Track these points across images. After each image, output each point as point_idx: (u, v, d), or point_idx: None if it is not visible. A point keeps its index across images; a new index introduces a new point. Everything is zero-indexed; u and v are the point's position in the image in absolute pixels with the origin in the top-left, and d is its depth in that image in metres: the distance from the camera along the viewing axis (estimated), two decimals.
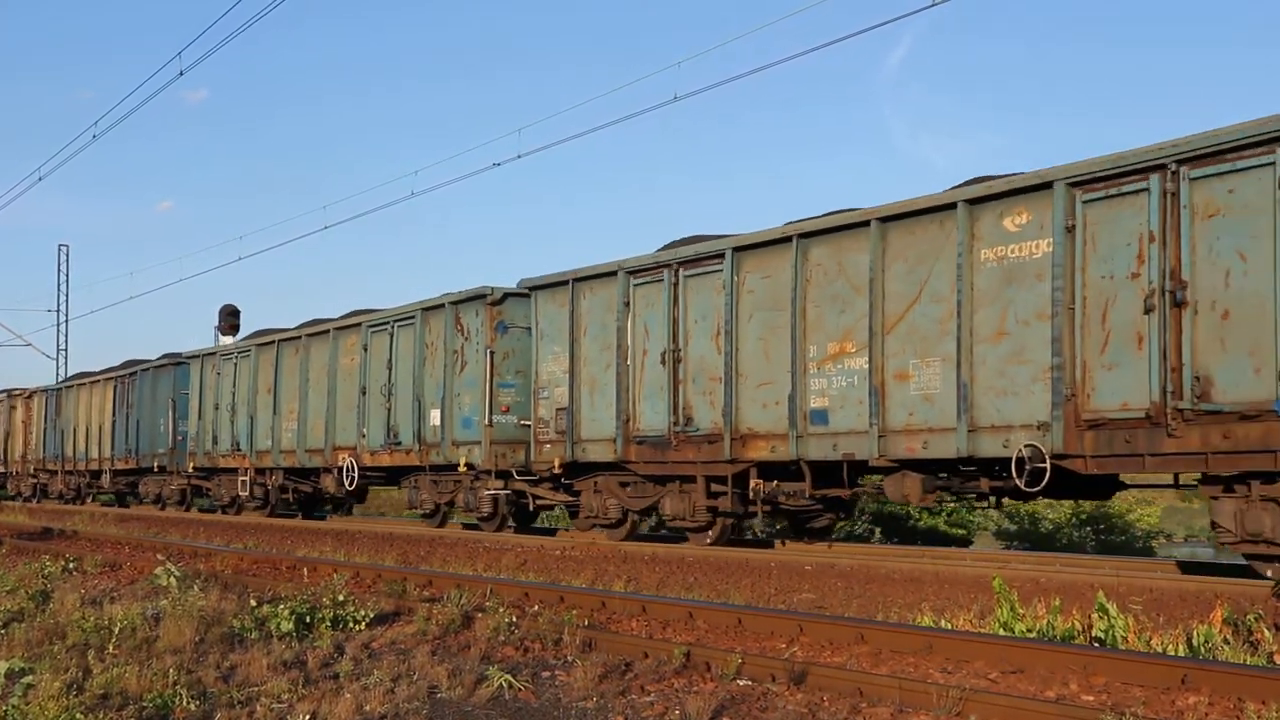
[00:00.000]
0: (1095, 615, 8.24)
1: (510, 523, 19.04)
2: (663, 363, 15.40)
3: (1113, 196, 11.12)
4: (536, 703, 6.28)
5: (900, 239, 12.88)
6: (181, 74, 21.39)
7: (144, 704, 6.11)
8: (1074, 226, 11.39)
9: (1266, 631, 7.75)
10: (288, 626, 8.16)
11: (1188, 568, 12.55)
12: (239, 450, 25.94)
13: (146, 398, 30.60)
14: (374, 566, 13.37)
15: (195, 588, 10.18)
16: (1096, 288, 11.19)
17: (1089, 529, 33.43)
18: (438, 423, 19.58)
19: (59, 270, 53.47)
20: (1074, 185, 11.41)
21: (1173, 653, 7.57)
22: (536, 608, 9.10)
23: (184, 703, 6.13)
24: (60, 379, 44.05)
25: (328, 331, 22.93)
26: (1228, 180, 10.36)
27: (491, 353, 18.51)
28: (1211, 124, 10.71)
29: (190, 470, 28.15)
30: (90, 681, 6.55)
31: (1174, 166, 10.66)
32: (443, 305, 19.53)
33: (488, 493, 18.56)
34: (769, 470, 14.35)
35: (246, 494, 25.71)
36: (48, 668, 6.78)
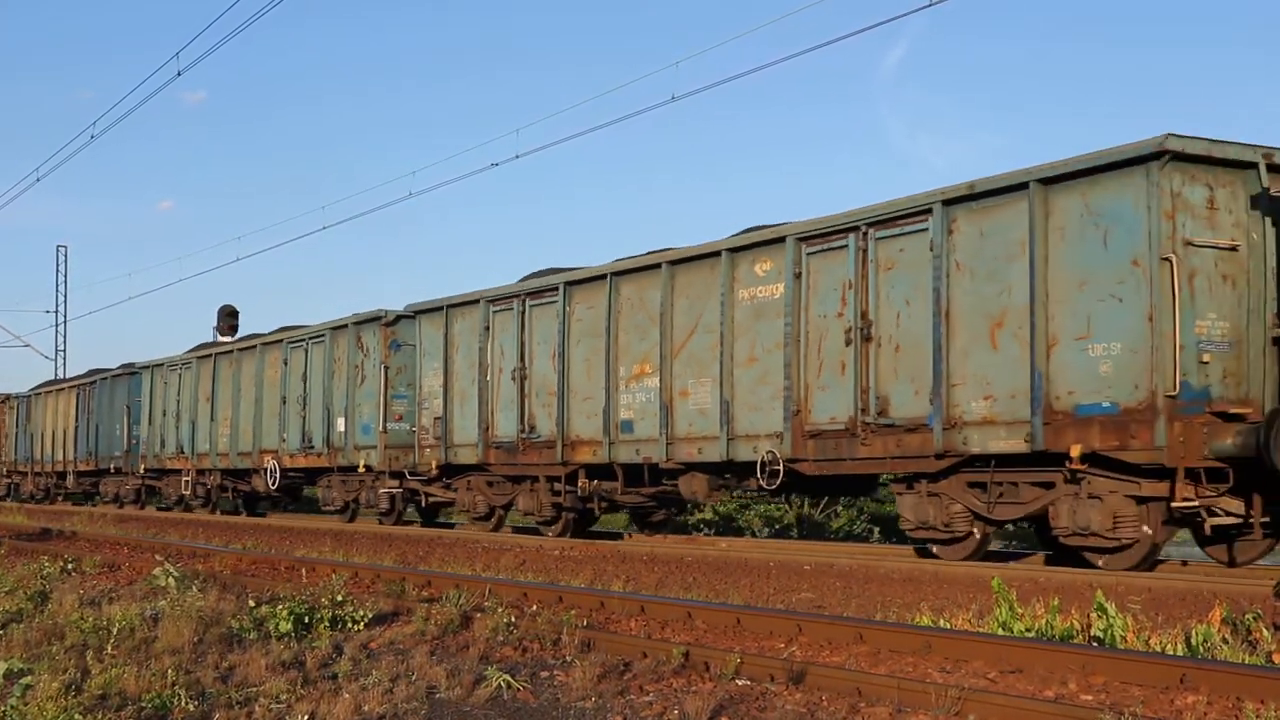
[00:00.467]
0: (1094, 614, 8.24)
1: (404, 517, 22.13)
2: (513, 379, 18.14)
3: (826, 250, 13.75)
4: (535, 703, 6.28)
5: (684, 279, 15.58)
6: (179, 74, 21.44)
7: (142, 704, 6.11)
8: (800, 274, 13.98)
9: (1265, 631, 7.75)
10: (286, 627, 8.15)
11: (1186, 567, 12.57)
12: (183, 453, 28.72)
13: (105, 405, 33.19)
14: (373, 567, 13.37)
15: (194, 588, 10.18)
16: (815, 324, 13.81)
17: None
18: (343, 429, 22.36)
19: (57, 271, 53.55)
20: (800, 240, 13.98)
21: (1171, 652, 7.57)
22: (535, 608, 9.10)
23: (182, 703, 6.12)
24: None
25: (255, 346, 25.87)
26: (899, 241, 13.00)
27: (386, 368, 21.38)
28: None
29: (142, 471, 30.89)
30: (89, 682, 6.55)
31: (864, 229, 13.30)
32: (346, 325, 22.49)
33: (384, 491, 21.39)
34: (593, 471, 16.99)
35: (190, 493, 28.40)
36: (46, 668, 6.78)
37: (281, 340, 24.82)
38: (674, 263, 15.62)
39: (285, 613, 8.28)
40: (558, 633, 7.93)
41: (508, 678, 6.62)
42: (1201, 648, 7.65)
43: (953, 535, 12.79)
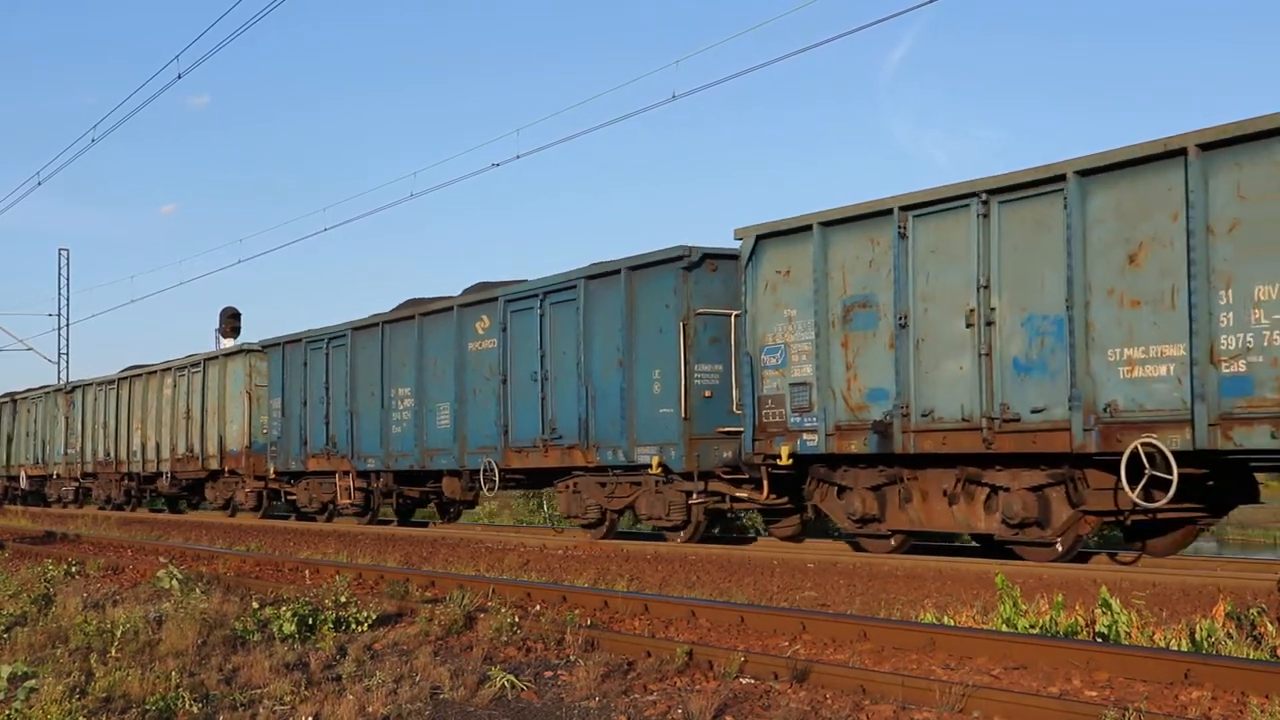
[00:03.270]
0: (1098, 610, 8.24)
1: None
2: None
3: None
4: (539, 703, 6.28)
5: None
6: (180, 77, 21.42)
7: (146, 707, 6.11)
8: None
9: (1270, 625, 7.74)
10: (290, 628, 8.16)
11: (1189, 562, 12.55)
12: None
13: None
14: (376, 568, 13.36)
15: (197, 590, 10.18)
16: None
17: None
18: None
19: (59, 274, 53.53)
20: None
21: (1175, 647, 7.56)
22: (538, 607, 9.09)
23: (186, 705, 6.13)
24: (62, 382, 44.28)
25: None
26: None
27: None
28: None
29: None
30: (93, 685, 6.55)
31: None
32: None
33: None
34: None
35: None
36: (50, 671, 6.78)
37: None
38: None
39: (289, 614, 8.28)
40: (561, 632, 7.93)
41: (511, 678, 6.62)
42: (1206, 643, 7.64)
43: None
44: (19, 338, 53.34)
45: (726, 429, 15.18)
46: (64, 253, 53.68)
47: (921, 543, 14.08)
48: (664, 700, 6.18)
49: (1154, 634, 7.91)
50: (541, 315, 17.59)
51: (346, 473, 22.55)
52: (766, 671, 6.68)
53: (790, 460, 13.82)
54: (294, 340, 23.99)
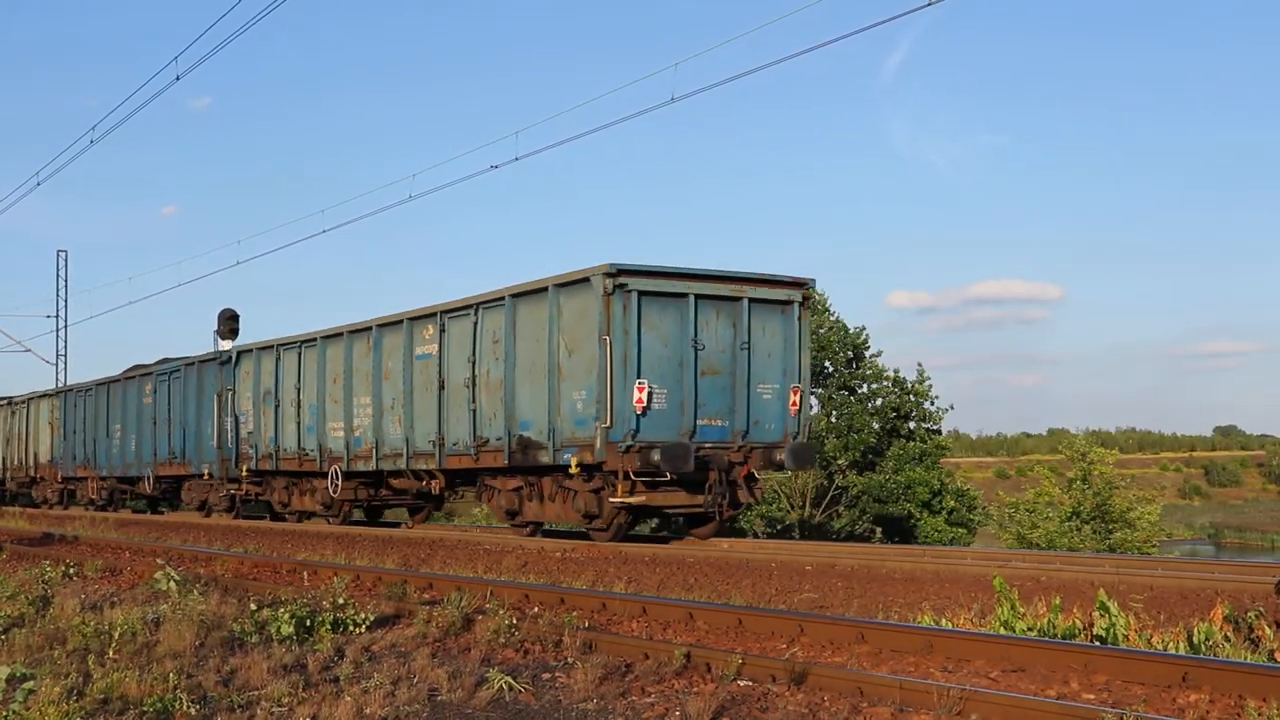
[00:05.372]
0: (1096, 613, 8.24)
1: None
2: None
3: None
4: (537, 705, 6.27)
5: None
6: (178, 79, 21.42)
7: (144, 708, 6.10)
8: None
9: (1267, 629, 7.74)
10: (288, 630, 8.15)
11: (1188, 564, 12.56)
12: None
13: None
14: (374, 569, 13.35)
15: (195, 592, 10.17)
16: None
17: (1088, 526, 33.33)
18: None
19: (58, 276, 53.53)
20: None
21: (1173, 650, 7.56)
22: (537, 609, 9.09)
23: (184, 707, 6.12)
24: (61, 384, 44.31)
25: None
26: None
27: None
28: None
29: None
30: (90, 686, 6.55)
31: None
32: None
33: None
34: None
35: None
36: (48, 673, 6.78)
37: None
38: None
39: (287, 616, 8.28)
40: (559, 634, 7.92)
41: (509, 680, 6.62)
42: (1204, 646, 7.64)
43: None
44: (17, 339, 53.42)
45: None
46: (63, 254, 53.76)
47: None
48: (662, 702, 6.18)
49: (1152, 637, 7.91)
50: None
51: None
52: (764, 674, 6.68)
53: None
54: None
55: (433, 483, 19.68)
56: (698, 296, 15.98)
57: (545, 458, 16.41)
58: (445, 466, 18.79)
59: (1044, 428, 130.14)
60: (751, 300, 16.37)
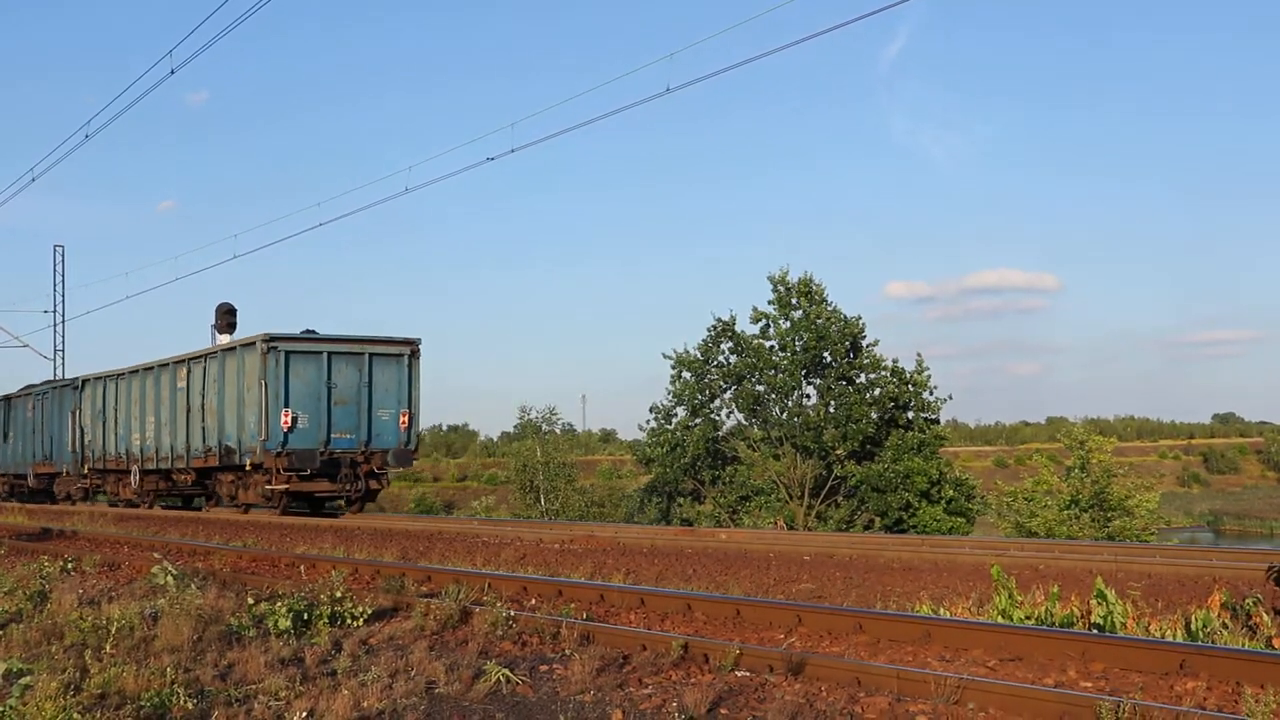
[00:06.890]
0: (1094, 601, 8.24)
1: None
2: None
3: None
4: (534, 696, 6.27)
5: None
6: (173, 72, 21.38)
7: (141, 703, 6.10)
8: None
9: (1265, 616, 7.74)
10: (285, 624, 8.14)
11: (1186, 552, 12.56)
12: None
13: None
14: (372, 563, 13.35)
15: (193, 586, 10.15)
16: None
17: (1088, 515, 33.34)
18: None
19: (55, 271, 53.53)
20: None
21: (1171, 638, 7.56)
22: (535, 601, 9.09)
23: (181, 701, 6.12)
24: (60, 378, 44.37)
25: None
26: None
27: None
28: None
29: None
30: (88, 681, 6.54)
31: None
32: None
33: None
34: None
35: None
36: (45, 668, 6.77)
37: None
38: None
39: (284, 610, 8.27)
40: (557, 626, 7.91)
41: (507, 672, 6.61)
42: (1201, 633, 7.65)
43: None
44: (15, 334, 53.37)
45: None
46: (59, 249, 53.74)
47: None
48: (659, 694, 6.17)
49: (1150, 625, 7.91)
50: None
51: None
52: (762, 664, 6.67)
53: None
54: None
55: (187, 477, 27.56)
56: (331, 353, 24.11)
57: (238, 460, 24.66)
58: (192, 466, 27.04)
59: (1043, 416, 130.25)
60: (372, 354, 24.49)
